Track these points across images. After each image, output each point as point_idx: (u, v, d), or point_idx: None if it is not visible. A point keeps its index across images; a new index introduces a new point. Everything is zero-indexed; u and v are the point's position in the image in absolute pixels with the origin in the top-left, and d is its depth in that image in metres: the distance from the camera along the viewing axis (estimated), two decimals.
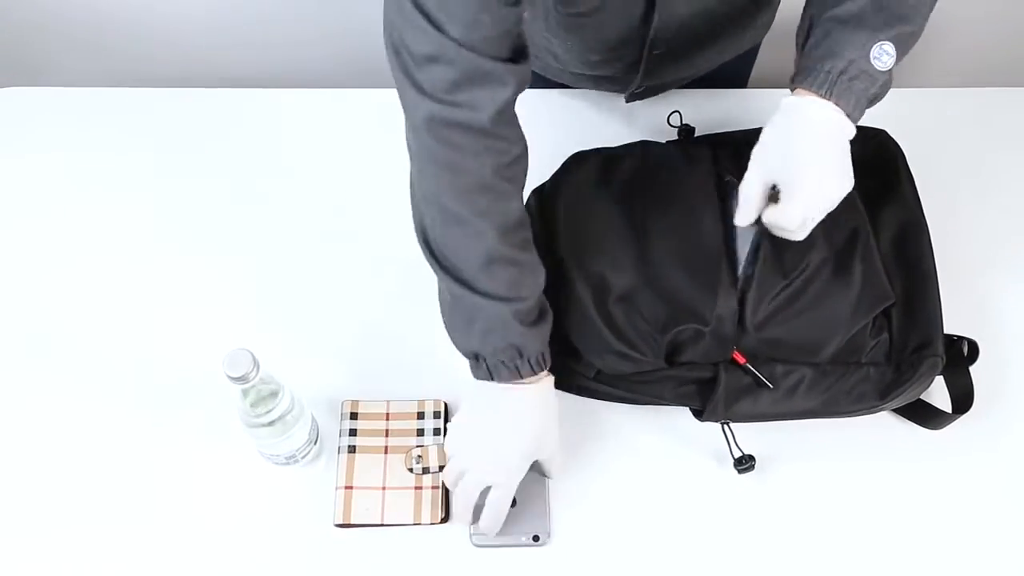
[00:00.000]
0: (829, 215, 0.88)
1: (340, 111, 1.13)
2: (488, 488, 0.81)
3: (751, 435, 0.88)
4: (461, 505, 0.83)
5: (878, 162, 0.96)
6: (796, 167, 0.77)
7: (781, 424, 0.90)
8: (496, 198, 0.77)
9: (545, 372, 0.82)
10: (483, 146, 0.74)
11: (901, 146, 0.97)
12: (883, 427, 0.92)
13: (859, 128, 0.98)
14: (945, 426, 0.90)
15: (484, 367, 0.80)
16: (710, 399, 0.86)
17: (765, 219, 0.79)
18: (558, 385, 0.93)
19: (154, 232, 1.04)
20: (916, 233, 0.92)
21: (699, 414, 0.89)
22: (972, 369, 0.90)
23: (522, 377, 0.80)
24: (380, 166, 1.09)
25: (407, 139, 0.78)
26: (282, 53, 1.46)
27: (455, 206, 0.76)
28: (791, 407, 0.87)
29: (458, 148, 0.74)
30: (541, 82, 1.13)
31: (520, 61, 0.74)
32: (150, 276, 1.01)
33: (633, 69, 0.99)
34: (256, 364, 0.74)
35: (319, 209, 1.06)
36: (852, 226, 0.89)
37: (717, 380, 0.85)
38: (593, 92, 1.12)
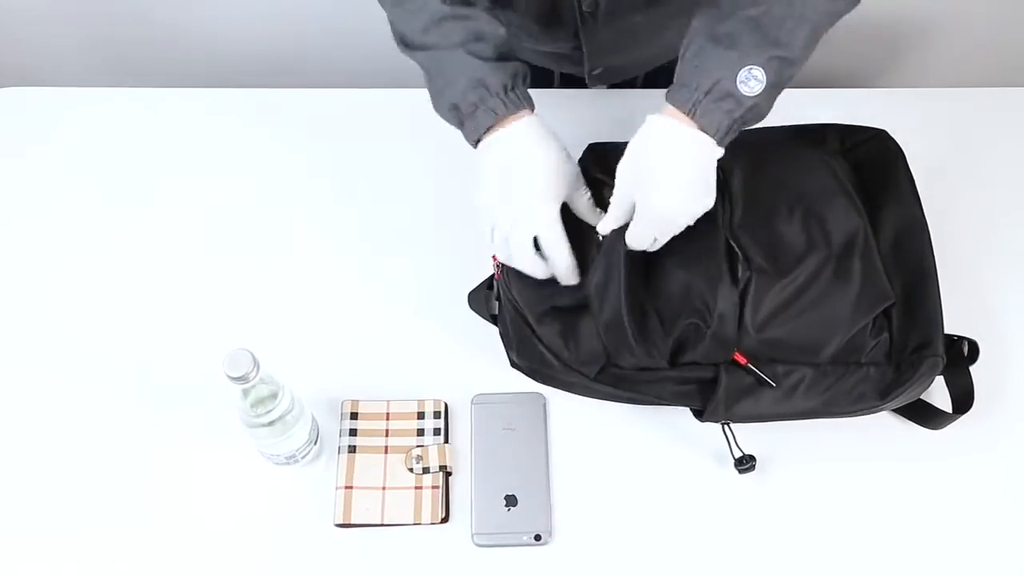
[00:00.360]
0: (828, 215, 0.89)
1: (341, 111, 1.13)
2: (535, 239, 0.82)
3: (751, 435, 0.88)
4: (505, 258, 0.84)
5: (878, 162, 0.96)
6: (647, 190, 0.78)
7: (781, 424, 0.90)
8: None
9: (526, 110, 0.82)
10: None
11: (901, 146, 0.97)
12: (883, 427, 0.92)
13: (859, 128, 0.99)
14: (945, 426, 0.90)
15: (465, 120, 0.82)
16: (711, 400, 0.86)
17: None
18: (557, 385, 0.93)
19: (154, 232, 1.04)
20: (916, 233, 0.92)
21: (699, 414, 0.89)
22: (972, 369, 0.90)
23: (499, 115, 0.81)
24: (381, 166, 1.09)
25: None
26: (281, 53, 1.46)
27: None
28: (791, 407, 0.87)
29: None
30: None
31: None
32: (150, 276, 1.01)
33: (579, 43, 0.98)
34: (256, 364, 0.74)
35: (319, 209, 1.06)
36: (852, 226, 0.89)
37: (718, 381, 0.85)
38: (593, 91, 1.12)
